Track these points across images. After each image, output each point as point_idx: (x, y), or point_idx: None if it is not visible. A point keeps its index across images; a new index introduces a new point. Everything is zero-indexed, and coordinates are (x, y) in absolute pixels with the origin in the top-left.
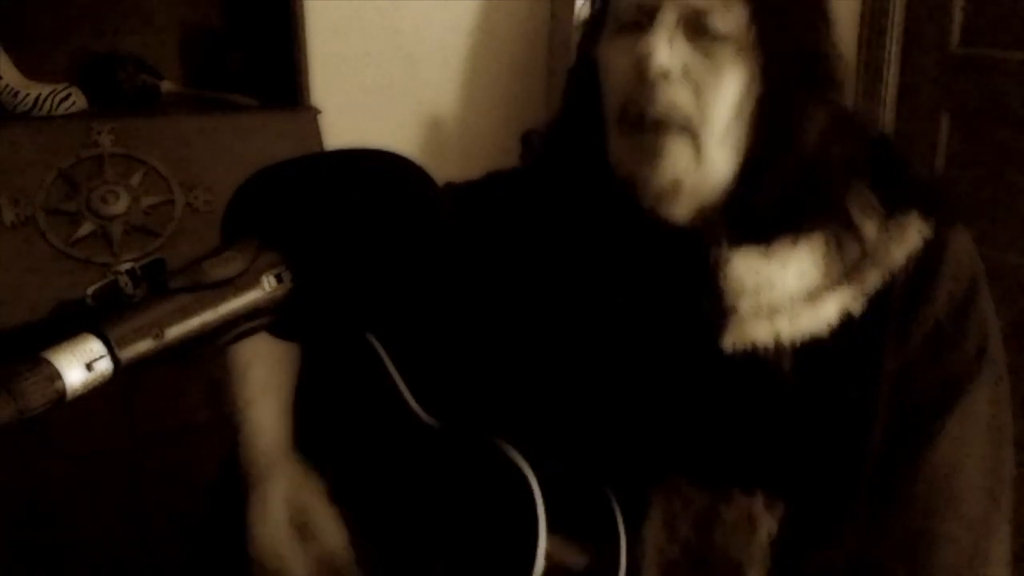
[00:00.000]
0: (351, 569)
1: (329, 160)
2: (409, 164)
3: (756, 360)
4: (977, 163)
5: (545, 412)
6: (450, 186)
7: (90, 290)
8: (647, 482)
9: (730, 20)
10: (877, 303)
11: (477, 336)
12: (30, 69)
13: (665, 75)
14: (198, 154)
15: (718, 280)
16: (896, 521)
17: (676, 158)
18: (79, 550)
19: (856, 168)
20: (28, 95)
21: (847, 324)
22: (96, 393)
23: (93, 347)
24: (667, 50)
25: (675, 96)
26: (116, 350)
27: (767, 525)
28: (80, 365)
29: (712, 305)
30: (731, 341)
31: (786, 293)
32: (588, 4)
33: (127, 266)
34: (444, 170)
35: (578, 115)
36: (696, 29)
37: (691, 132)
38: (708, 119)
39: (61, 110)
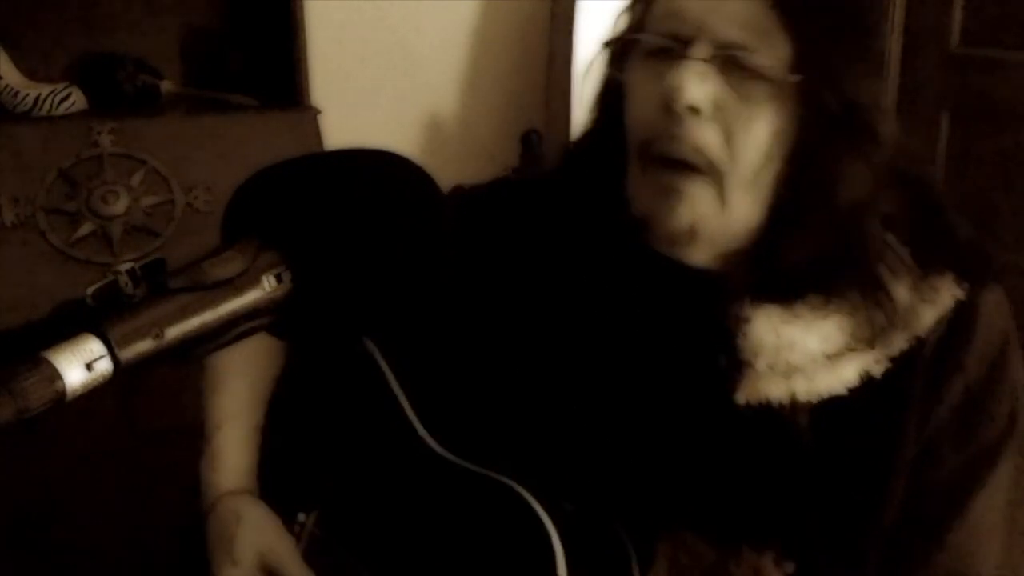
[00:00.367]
0: None
1: (329, 160)
2: (409, 164)
3: (771, 416)
4: (977, 163)
5: (553, 451)
6: (457, 190)
7: (90, 290)
8: (654, 533)
9: (770, 58)
10: (902, 365)
11: (484, 359)
12: (30, 69)
13: (695, 111)
14: (198, 154)
15: (737, 337)
16: None
17: (696, 202)
18: (79, 550)
19: (891, 224)
20: (28, 95)
21: (868, 384)
22: (96, 393)
23: (93, 347)
24: (699, 84)
25: (702, 136)
26: (116, 350)
27: None
28: (80, 365)
29: (728, 359)
30: (745, 396)
31: (806, 354)
32: (623, 17)
33: (127, 266)
34: (444, 170)
35: (600, 140)
36: (732, 64)
37: (716, 176)
38: (736, 163)
39: (61, 110)
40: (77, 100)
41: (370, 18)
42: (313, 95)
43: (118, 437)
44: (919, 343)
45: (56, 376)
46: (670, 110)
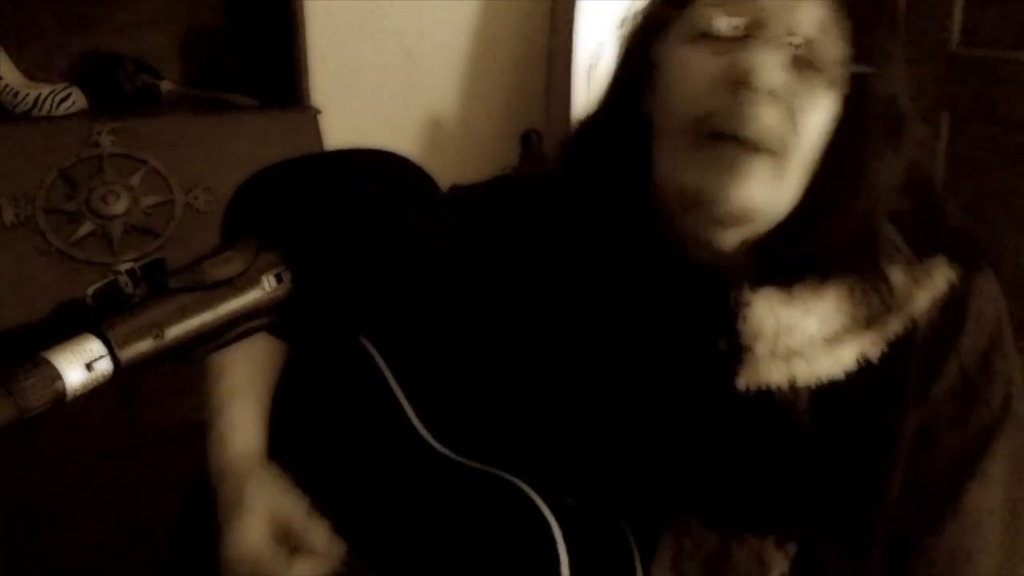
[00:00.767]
0: None
1: (329, 160)
2: (410, 164)
3: (771, 401)
4: (977, 163)
5: (554, 443)
6: (455, 188)
7: (90, 290)
8: (657, 520)
9: (832, 52)
10: (898, 348)
11: (485, 356)
12: (30, 69)
13: (768, 93)
14: (198, 154)
15: (736, 321)
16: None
17: (755, 181)
18: (79, 550)
19: (894, 216)
20: (28, 95)
21: (866, 368)
22: (96, 393)
23: (93, 347)
24: (775, 68)
25: (771, 117)
26: (116, 350)
27: (778, 567)
28: (80, 365)
29: (728, 345)
30: (745, 381)
31: (805, 338)
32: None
33: (127, 266)
34: (444, 170)
35: (621, 118)
36: (796, 54)
37: (775, 157)
38: (800, 144)
39: (61, 110)
40: (77, 100)
41: (370, 18)
42: (313, 95)
43: (118, 437)
44: (914, 326)
45: (56, 376)
46: (737, 89)
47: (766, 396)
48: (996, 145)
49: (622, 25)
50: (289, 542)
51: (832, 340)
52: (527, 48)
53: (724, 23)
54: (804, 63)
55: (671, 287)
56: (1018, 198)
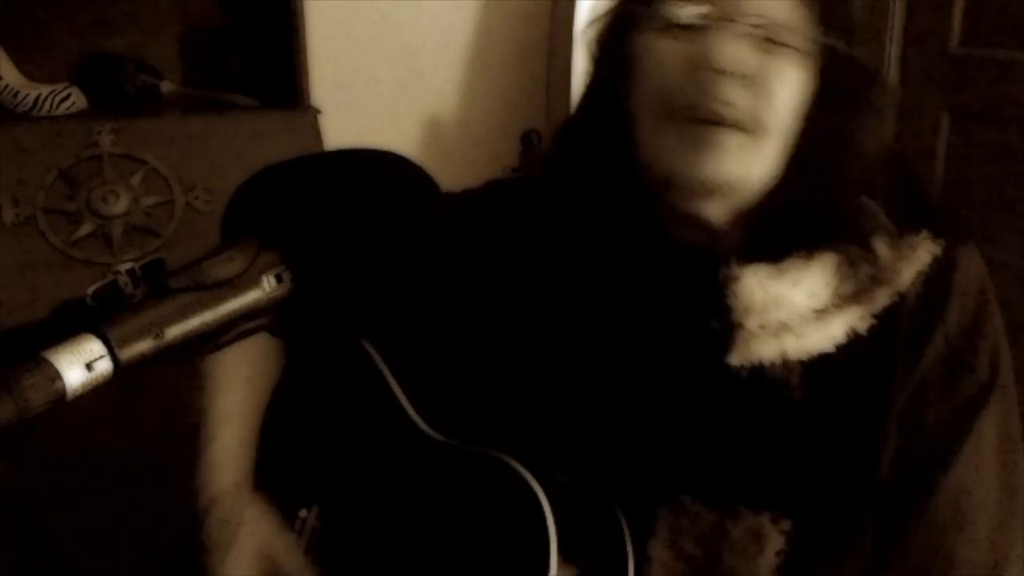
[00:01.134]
0: None
1: (330, 160)
2: (410, 164)
3: (763, 377)
4: (977, 163)
5: (549, 425)
6: (447, 196)
7: (90, 290)
8: (653, 499)
9: (800, 29)
10: (885, 322)
11: (481, 348)
12: (30, 69)
13: (731, 72)
14: (198, 154)
15: (726, 297)
16: (910, 544)
17: (732, 155)
18: (79, 550)
19: (873, 187)
20: (28, 95)
21: (855, 342)
22: (96, 393)
23: (93, 347)
24: (735, 50)
25: (742, 97)
26: (116, 350)
27: (774, 542)
28: (80, 365)
29: (719, 322)
30: (737, 358)
31: (795, 312)
32: None
33: (127, 266)
34: (444, 170)
35: (603, 110)
36: (763, 35)
37: (749, 130)
38: (770, 118)
39: (61, 110)
40: (77, 100)
41: (370, 18)
42: (313, 95)
43: (118, 437)
44: (900, 299)
45: (56, 376)
46: (700, 71)
47: (758, 372)
48: (996, 145)
49: (591, 25)
50: None
51: (821, 314)
52: (527, 48)
53: (689, 11)
54: (772, 42)
55: (661, 268)
56: (1019, 197)
